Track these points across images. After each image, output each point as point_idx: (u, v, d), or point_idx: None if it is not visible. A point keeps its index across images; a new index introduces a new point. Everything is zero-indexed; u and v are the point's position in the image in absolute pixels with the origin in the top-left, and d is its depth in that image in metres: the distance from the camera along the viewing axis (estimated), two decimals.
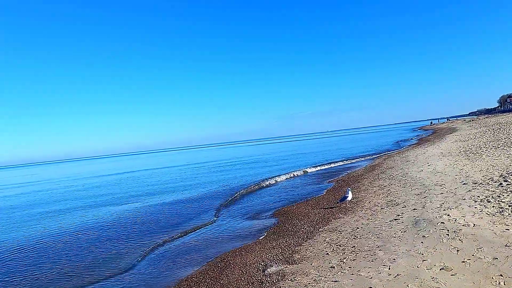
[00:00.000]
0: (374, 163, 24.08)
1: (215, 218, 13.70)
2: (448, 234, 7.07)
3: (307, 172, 25.72)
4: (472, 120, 74.70)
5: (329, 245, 8.01)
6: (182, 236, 11.66)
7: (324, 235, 8.96)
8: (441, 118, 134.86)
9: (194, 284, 7.35)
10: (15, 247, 12.33)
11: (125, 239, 11.93)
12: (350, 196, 11.86)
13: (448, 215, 8.32)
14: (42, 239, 13.11)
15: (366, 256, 6.81)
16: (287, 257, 7.79)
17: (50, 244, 12.30)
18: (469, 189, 10.60)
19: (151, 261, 9.50)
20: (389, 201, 11.22)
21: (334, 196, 14.29)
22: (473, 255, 5.92)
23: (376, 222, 9.11)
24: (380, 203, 11.18)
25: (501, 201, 8.67)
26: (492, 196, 9.24)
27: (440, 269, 5.59)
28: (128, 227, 13.58)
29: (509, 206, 8.17)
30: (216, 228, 12.19)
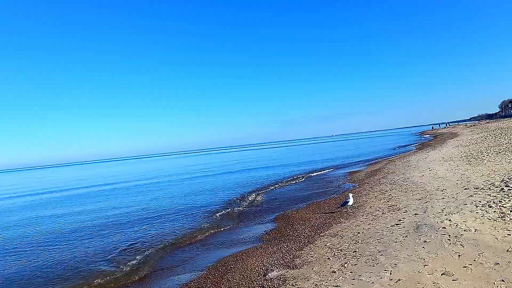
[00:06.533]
0: (375, 168, 24.06)
1: (215, 224, 13.69)
2: (449, 239, 7.06)
3: (310, 176, 25.72)
4: (474, 125, 74.65)
5: (330, 250, 8.00)
6: (182, 241, 11.65)
7: (325, 239, 8.95)
8: (441, 123, 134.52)
9: None
10: None
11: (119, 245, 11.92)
12: (351, 201, 11.85)
13: (450, 220, 8.31)
14: None
15: (367, 261, 6.80)
16: (288, 261, 7.78)
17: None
18: (470, 194, 10.59)
19: (152, 267, 9.51)
20: (390, 206, 11.21)
21: (335, 200, 14.28)
22: (474, 260, 5.91)
23: (377, 227, 9.10)
24: (382, 208, 11.17)
25: (502, 206, 8.66)
26: (493, 201, 9.22)
27: (442, 274, 5.58)
28: (128, 233, 13.58)
29: (510, 211, 8.16)
30: (217, 233, 12.19)
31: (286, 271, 7.21)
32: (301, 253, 8.19)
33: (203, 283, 7.52)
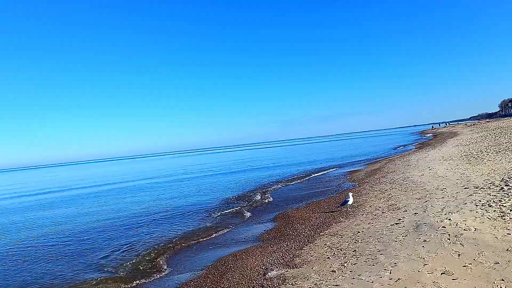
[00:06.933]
0: (375, 167, 24.06)
1: (214, 223, 13.69)
2: (449, 239, 7.06)
3: (310, 175, 25.72)
4: (473, 125, 74.69)
5: (330, 249, 8.00)
6: (182, 241, 11.64)
7: (325, 239, 8.94)
8: (441, 122, 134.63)
9: None
10: None
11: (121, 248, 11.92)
12: (351, 200, 11.85)
13: (449, 219, 8.31)
14: None
15: (367, 260, 6.79)
16: (288, 261, 7.78)
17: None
18: (470, 194, 10.59)
19: (151, 267, 9.51)
20: (390, 205, 11.20)
21: (335, 200, 14.27)
22: (474, 259, 5.91)
23: (377, 226, 9.10)
24: (381, 207, 11.17)
25: (502, 205, 8.66)
26: (493, 201, 9.23)
27: (441, 274, 5.58)
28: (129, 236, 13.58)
29: (510, 210, 8.16)
30: (217, 233, 12.18)
31: (286, 270, 7.21)
32: (301, 253, 8.19)
33: (203, 283, 7.52)
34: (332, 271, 6.59)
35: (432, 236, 7.41)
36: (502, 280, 5.08)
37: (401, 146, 48.32)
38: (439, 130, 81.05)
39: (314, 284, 6.14)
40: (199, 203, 18.10)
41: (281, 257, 8.17)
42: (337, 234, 9.16)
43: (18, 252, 12.25)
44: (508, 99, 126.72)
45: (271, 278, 6.95)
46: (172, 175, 40.83)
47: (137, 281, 8.46)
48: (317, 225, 10.71)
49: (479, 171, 14.22)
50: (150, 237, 12.22)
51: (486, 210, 8.54)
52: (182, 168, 53.64)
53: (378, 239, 7.93)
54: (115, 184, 35.97)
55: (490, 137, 31.04)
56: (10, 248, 12.86)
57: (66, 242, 12.85)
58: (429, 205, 10.12)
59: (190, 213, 15.86)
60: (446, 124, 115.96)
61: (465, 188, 11.55)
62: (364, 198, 13.23)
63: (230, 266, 8.22)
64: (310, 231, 10.16)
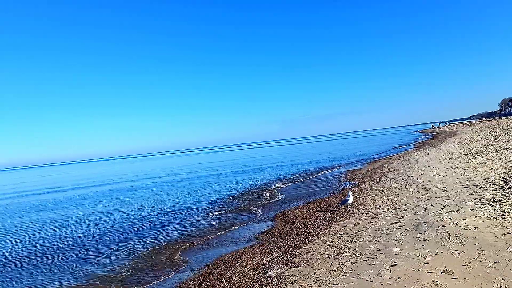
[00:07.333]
0: (375, 166, 24.05)
1: (214, 223, 13.69)
2: (449, 238, 7.06)
3: (310, 174, 25.71)
4: (473, 124, 74.64)
5: (330, 248, 8.00)
6: (182, 240, 11.64)
7: (325, 238, 8.94)
8: (441, 122, 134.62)
9: (194, 287, 7.34)
10: None
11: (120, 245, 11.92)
12: (351, 199, 11.85)
13: (449, 218, 8.31)
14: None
15: (367, 259, 6.79)
16: (288, 260, 7.78)
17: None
18: (470, 193, 10.59)
19: (150, 266, 9.51)
20: (390, 204, 11.20)
21: (335, 199, 14.27)
22: (474, 258, 5.91)
23: (377, 225, 9.09)
24: (381, 206, 11.17)
25: (502, 204, 8.66)
26: (493, 200, 9.22)
27: (441, 273, 5.58)
28: (125, 235, 13.57)
29: (510, 209, 8.16)
30: (216, 232, 12.18)
31: (286, 269, 7.20)
32: (301, 252, 8.19)
33: (203, 282, 7.52)
34: (332, 270, 6.59)
35: (432, 235, 7.41)
36: (502, 279, 5.08)
37: (401, 145, 48.30)
38: (439, 129, 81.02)
39: (314, 283, 6.14)
40: (198, 203, 18.09)
41: (281, 256, 8.17)
42: (337, 233, 9.16)
43: (17, 253, 12.25)
44: (508, 98, 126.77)
45: (271, 277, 6.95)
46: (170, 174, 40.79)
47: (137, 281, 8.45)
48: (317, 224, 10.70)
49: (479, 170, 14.22)
50: (149, 238, 12.21)
51: (486, 209, 8.53)
52: (181, 168, 53.56)
53: (378, 238, 7.92)
54: (113, 185, 35.91)
55: (490, 136, 31.03)
56: (7, 249, 12.86)
57: (63, 243, 12.84)
58: (429, 204, 10.12)
59: (189, 213, 15.86)
60: (446, 123, 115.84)
61: (465, 187, 11.54)
62: (364, 197, 13.22)
63: (230, 265, 8.22)
64: (310, 230, 10.15)
